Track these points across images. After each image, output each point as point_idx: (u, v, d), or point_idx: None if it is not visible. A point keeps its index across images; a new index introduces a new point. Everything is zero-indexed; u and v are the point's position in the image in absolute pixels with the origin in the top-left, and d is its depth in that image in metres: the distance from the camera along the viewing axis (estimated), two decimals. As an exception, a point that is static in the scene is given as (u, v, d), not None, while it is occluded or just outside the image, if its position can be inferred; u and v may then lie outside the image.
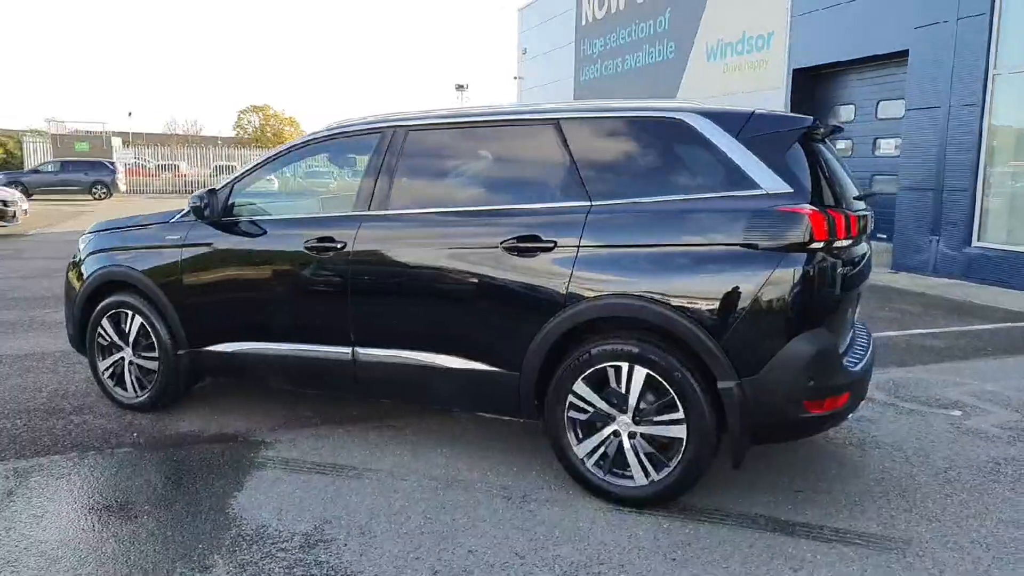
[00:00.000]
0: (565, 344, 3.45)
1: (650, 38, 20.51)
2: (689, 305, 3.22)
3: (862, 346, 3.78)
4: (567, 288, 3.40)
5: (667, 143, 3.45)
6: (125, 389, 4.61)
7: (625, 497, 3.40)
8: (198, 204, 4.17)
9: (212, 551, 2.99)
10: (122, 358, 4.60)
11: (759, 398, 3.19)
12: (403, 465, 3.85)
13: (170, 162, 39.53)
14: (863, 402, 3.99)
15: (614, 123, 3.58)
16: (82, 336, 4.74)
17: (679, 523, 3.26)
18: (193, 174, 39.67)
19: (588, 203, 3.47)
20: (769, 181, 3.23)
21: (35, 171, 30.37)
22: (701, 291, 3.21)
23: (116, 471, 3.76)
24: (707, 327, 3.19)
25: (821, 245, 3.16)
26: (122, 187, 31.31)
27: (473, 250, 3.60)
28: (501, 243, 3.52)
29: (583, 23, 24.07)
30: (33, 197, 28.21)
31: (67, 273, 4.94)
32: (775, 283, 3.13)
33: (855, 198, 3.69)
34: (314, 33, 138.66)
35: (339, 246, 3.88)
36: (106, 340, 4.63)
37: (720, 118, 3.37)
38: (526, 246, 3.48)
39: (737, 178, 3.27)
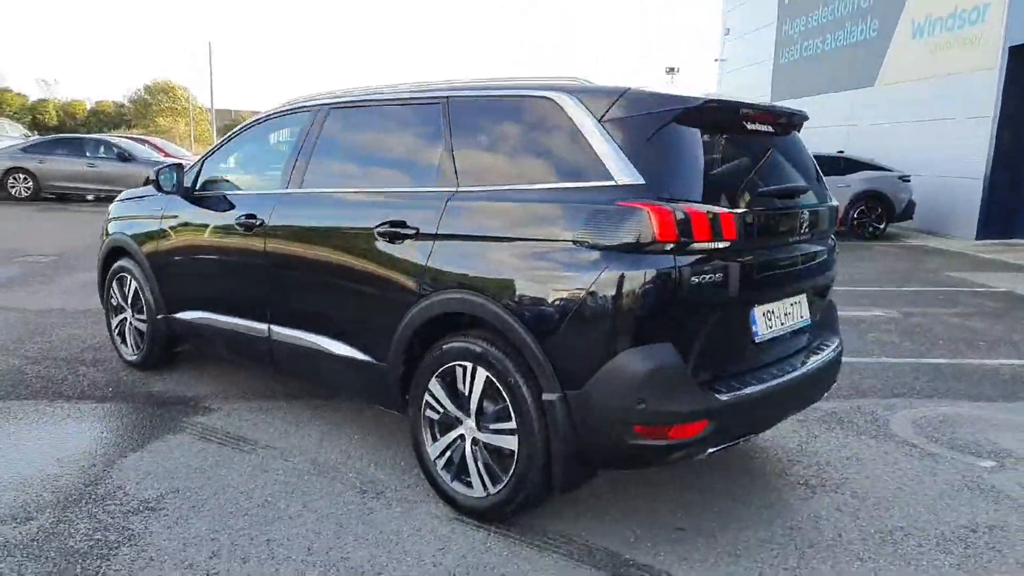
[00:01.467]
0: (427, 337, 3.24)
1: (852, 15, 18.57)
2: (521, 305, 2.89)
3: (786, 368, 3.16)
4: (423, 278, 3.20)
5: (534, 125, 3.10)
6: (127, 347, 5.05)
7: (466, 507, 3.14)
8: (154, 177, 4.43)
9: (54, 502, 3.20)
10: (125, 318, 5.04)
11: (584, 416, 2.79)
12: (300, 447, 3.85)
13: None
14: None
15: (489, 102, 3.28)
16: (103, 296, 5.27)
17: (505, 544, 2.96)
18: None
19: (454, 188, 3.23)
20: (624, 171, 2.79)
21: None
22: (534, 291, 2.87)
23: (63, 419, 4.15)
24: (534, 331, 2.85)
25: (669, 247, 2.68)
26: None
27: (355, 233, 3.50)
28: (376, 227, 3.38)
29: (786, 0, 22.32)
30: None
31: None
32: (606, 287, 2.71)
33: (790, 193, 3.12)
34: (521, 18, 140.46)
35: (259, 223, 3.95)
36: (115, 301, 5.10)
37: (587, 97, 2.97)
38: (395, 231, 3.32)
39: (593, 166, 2.86)
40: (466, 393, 3.10)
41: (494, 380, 2.97)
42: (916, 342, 6.33)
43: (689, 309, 2.74)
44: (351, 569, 2.76)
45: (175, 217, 4.55)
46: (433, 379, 3.19)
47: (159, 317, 4.72)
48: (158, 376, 4.90)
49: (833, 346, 3.54)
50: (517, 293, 2.90)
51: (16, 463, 3.58)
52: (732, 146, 3.04)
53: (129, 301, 4.96)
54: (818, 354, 3.39)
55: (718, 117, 2.98)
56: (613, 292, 2.69)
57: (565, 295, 2.78)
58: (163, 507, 3.19)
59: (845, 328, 6.77)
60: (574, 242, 2.79)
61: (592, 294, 2.72)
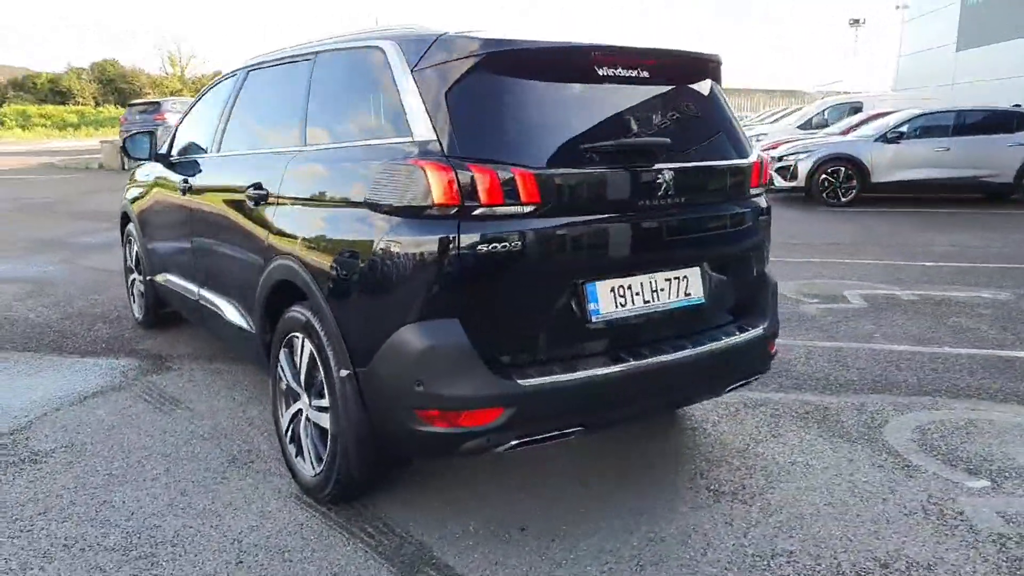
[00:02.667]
0: (277, 305, 3.11)
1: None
2: (324, 274, 2.68)
3: (644, 354, 2.68)
4: (268, 243, 3.07)
5: (364, 77, 2.84)
6: (136, 306, 5.35)
7: (302, 485, 3.00)
8: (121, 144, 4.59)
9: (-40, 448, 3.44)
10: (133, 279, 5.34)
11: (371, 396, 2.54)
12: (216, 410, 3.88)
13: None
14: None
15: (340, 56, 3.05)
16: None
17: (320, 526, 2.78)
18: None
19: (299, 148, 3.05)
20: (421, 126, 2.48)
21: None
22: (333, 259, 2.66)
23: (41, 370, 4.46)
24: (331, 302, 2.63)
25: (452, 211, 2.34)
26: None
27: (234, 197, 3.43)
28: (245, 190, 3.28)
29: (977, -68, 19.54)
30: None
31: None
32: (387, 255, 2.43)
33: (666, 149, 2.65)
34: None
35: (187, 186, 3.98)
36: (128, 262, 5.41)
37: (407, 44, 2.66)
38: (257, 194, 3.20)
39: (399, 121, 2.57)
40: (298, 366, 2.94)
41: (315, 354, 2.79)
42: (1008, 331, 5.31)
43: (481, 282, 2.39)
44: (151, 537, 2.72)
45: (152, 184, 4.72)
46: (281, 349, 3.06)
47: (147, 279, 4.94)
48: (153, 334, 5.15)
49: (749, 331, 2.99)
50: (322, 260, 2.70)
51: (-36, 409, 3.89)
52: (573, 96, 2.61)
53: (133, 263, 5.24)
54: (715, 340, 2.87)
55: (550, 63, 2.56)
56: (393, 261, 2.41)
57: (354, 263, 2.54)
58: (44, 461, 3.32)
59: (922, 310, 5.84)
60: (367, 205, 2.53)
61: (374, 262, 2.46)
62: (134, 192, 5.10)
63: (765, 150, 14.54)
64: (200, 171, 3.92)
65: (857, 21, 38.43)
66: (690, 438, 3.59)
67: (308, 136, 3.04)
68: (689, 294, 2.83)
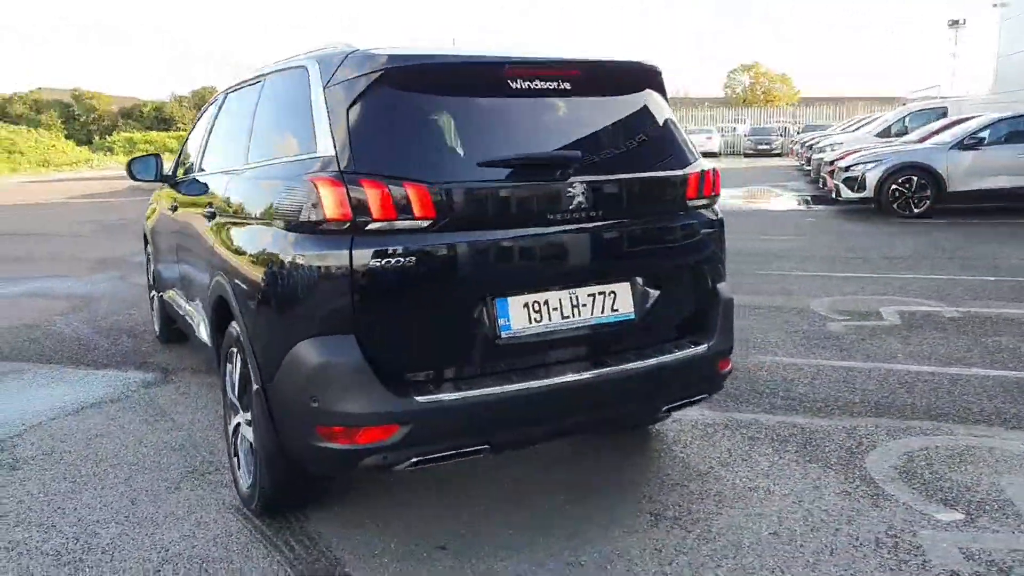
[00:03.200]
0: (223, 320, 3.20)
1: None
2: (240, 289, 2.75)
3: (561, 372, 2.62)
4: (211, 260, 3.18)
5: (293, 96, 2.90)
6: (155, 322, 5.61)
7: (240, 496, 3.07)
8: (127, 168, 4.83)
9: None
10: (152, 295, 5.60)
11: (277, 411, 2.58)
12: (195, 423, 4.02)
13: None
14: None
15: (278, 76, 3.14)
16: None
17: (245, 538, 2.83)
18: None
19: (242, 167, 3.15)
20: (324, 142, 2.52)
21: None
22: (247, 274, 2.74)
23: (52, 382, 4.73)
24: (243, 317, 2.70)
25: (344, 226, 2.37)
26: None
27: (200, 214, 3.56)
28: (204, 208, 3.41)
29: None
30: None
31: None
32: (285, 270, 2.49)
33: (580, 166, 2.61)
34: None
35: (175, 205, 4.17)
36: (148, 280, 5.69)
37: (324, 62, 2.71)
38: (208, 212, 3.33)
39: (309, 137, 2.62)
40: (234, 380, 3.02)
41: (243, 368, 2.86)
42: (1053, 351, 4.92)
43: (376, 298, 2.40)
44: (87, 544, 2.83)
45: (156, 203, 4.96)
46: (226, 364, 3.15)
47: (158, 296, 5.17)
48: (167, 349, 5.39)
49: (689, 349, 2.88)
50: (240, 276, 2.78)
51: (-28, 417, 4.16)
52: (481, 110, 2.60)
53: (152, 280, 5.51)
54: (646, 357, 2.78)
55: (458, 77, 2.57)
56: (292, 276, 2.46)
57: (261, 278, 2.59)
58: (21, 467, 3.52)
59: (962, 328, 5.46)
60: (275, 221, 2.60)
61: (276, 278, 2.51)
62: (148, 211, 5.37)
63: (836, 160, 14.00)
64: (183, 190, 4.10)
65: (956, 22, 36.61)
66: (653, 459, 3.48)
67: (250, 155, 3.14)
68: (617, 310, 2.76)
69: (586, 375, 2.64)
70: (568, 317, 2.66)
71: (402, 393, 2.40)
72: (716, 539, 2.78)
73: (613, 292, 2.75)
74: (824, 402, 4.12)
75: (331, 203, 2.35)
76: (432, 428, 2.44)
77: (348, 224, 2.35)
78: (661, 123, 2.93)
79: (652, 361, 2.78)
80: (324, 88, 2.61)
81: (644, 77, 2.92)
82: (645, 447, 3.61)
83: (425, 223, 2.39)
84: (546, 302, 2.62)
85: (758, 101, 68.65)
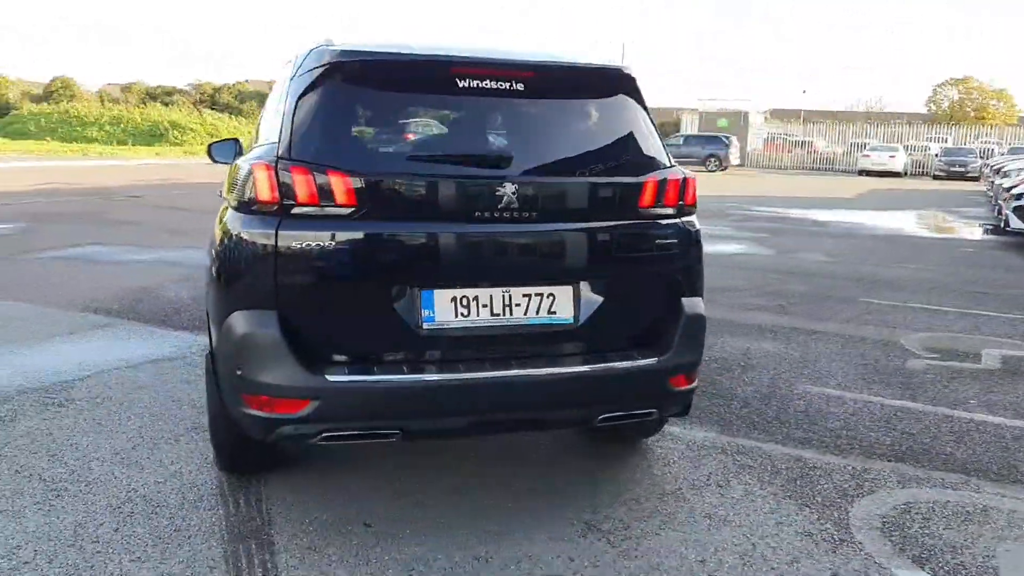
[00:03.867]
0: None
1: None
2: (207, 259, 3.02)
3: (479, 367, 2.66)
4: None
5: (282, 85, 3.12)
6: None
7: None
8: (208, 149, 5.30)
9: (19, 388, 4.26)
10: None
11: (218, 376, 2.80)
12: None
13: (805, 138, 40.07)
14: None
15: (285, 67, 3.36)
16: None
17: (210, 490, 3.10)
18: (828, 152, 39.52)
19: (244, 152, 3.44)
20: (279, 130, 2.72)
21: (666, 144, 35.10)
22: (209, 245, 3.00)
23: (129, 338, 5.31)
24: (206, 284, 2.97)
25: (273, 208, 2.56)
26: (734, 160, 33.49)
27: None
28: None
29: None
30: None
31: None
32: (225, 245, 2.70)
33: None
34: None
35: None
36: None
37: (300, 56, 2.91)
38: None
39: (279, 126, 2.82)
40: None
41: None
42: None
43: (297, 278, 2.57)
44: (76, 475, 3.18)
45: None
46: None
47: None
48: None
49: (633, 361, 2.82)
50: (209, 247, 3.03)
51: (51, 359, 4.77)
52: (422, 106, 2.71)
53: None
54: (579, 364, 2.76)
55: (404, 74, 2.68)
56: (229, 250, 2.68)
57: (212, 250, 2.84)
58: (67, 406, 4.00)
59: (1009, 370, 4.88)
60: (230, 200, 2.83)
61: (220, 250, 2.75)
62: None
63: (1012, 187, 12.72)
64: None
65: None
66: (623, 470, 3.42)
67: (256, 140, 3.41)
68: (555, 312, 2.76)
69: (509, 373, 2.67)
70: (498, 315, 2.70)
71: (315, 370, 2.55)
72: (637, 558, 2.71)
73: (552, 295, 2.75)
74: (848, 440, 3.84)
75: (263, 186, 2.54)
76: (341, 407, 2.57)
77: (276, 206, 2.54)
78: (626, 128, 2.89)
79: (585, 368, 2.75)
80: (291, 79, 2.81)
81: (613, 81, 2.89)
82: (625, 459, 3.55)
83: (347, 211, 2.52)
84: (475, 298, 2.68)
85: (967, 119, 62.98)
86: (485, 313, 2.69)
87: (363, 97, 2.67)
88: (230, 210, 2.76)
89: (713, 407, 4.23)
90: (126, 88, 55.33)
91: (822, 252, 10.59)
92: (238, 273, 2.65)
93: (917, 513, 3.10)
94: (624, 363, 2.80)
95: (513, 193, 2.63)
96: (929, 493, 3.29)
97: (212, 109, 47.26)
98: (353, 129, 2.65)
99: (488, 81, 2.69)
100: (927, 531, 2.96)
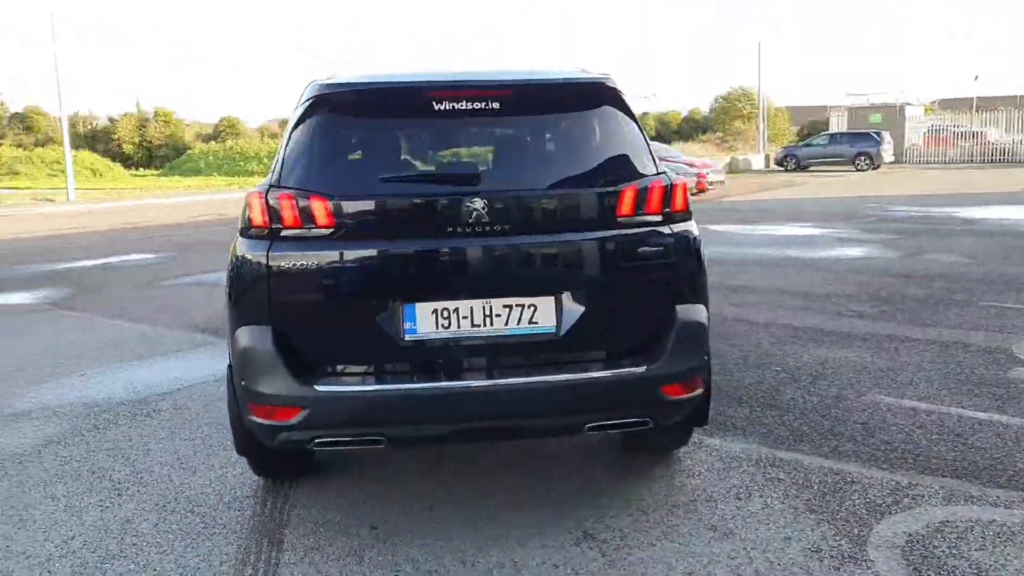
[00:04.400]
0: None
1: None
2: None
3: (459, 377, 2.79)
4: None
5: None
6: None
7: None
8: None
9: (120, 398, 4.80)
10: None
11: (235, 389, 3.07)
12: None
13: (975, 128, 36.89)
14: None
15: None
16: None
17: (244, 492, 3.39)
18: (1002, 142, 36.22)
19: None
20: (276, 163, 2.98)
21: (807, 144, 33.51)
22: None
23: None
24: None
25: (265, 232, 2.81)
26: (887, 157, 31.44)
27: None
28: None
29: None
30: (808, 169, 31.39)
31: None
32: (232, 266, 2.97)
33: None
34: None
35: None
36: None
37: (304, 91, 3.16)
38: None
39: (278, 160, 3.08)
40: None
41: None
42: None
43: (287, 295, 2.79)
44: (136, 476, 3.59)
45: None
46: None
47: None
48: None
49: (619, 369, 2.84)
50: None
51: (153, 374, 5.32)
52: (400, 129, 2.89)
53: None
54: (562, 372, 2.82)
55: (382, 101, 2.88)
56: (235, 271, 2.95)
57: (226, 271, 3.12)
58: (152, 416, 4.47)
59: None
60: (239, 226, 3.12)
61: (229, 271, 3.02)
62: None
63: None
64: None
65: None
66: (641, 481, 3.40)
67: None
68: (536, 322, 2.83)
69: (489, 383, 2.77)
70: (479, 326, 2.80)
71: (305, 381, 2.76)
72: (624, 568, 2.72)
73: (533, 305, 2.82)
74: (903, 453, 3.62)
75: (256, 212, 2.80)
76: (329, 415, 2.77)
77: (267, 230, 2.79)
78: (607, 139, 2.92)
79: (567, 376, 2.80)
80: (293, 111, 3.07)
81: (594, 94, 2.94)
82: (647, 470, 3.53)
83: (327, 231, 2.73)
84: (456, 310, 2.80)
85: None
86: (466, 324, 2.80)
87: (347, 125, 2.88)
88: (238, 235, 3.05)
89: (764, 418, 4.10)
90: (283, 123, 59.27)
91: (959, 253, 9.81)
92: (241, 291, 2.91)
93: (951, 531, 2.89)
94: (609, 371, 2.83)
95: (483, 208, 2.74)
96: (974, 511, 3.05)
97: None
98: (337, 156, 2.87)
99: (465, 102, 2.82)
100: (956, 551, 2.75)
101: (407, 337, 2.79)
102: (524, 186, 2.85)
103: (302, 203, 2.74)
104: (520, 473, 3.53)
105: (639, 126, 3.02)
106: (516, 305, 2.82)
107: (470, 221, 2.75)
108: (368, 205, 2.79)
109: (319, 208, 2.73)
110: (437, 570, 2.74)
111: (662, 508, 3.15)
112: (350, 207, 2.76)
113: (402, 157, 2.89)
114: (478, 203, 2.74)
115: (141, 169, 46.37)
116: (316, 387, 2.75)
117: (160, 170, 44.39)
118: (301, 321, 2.82)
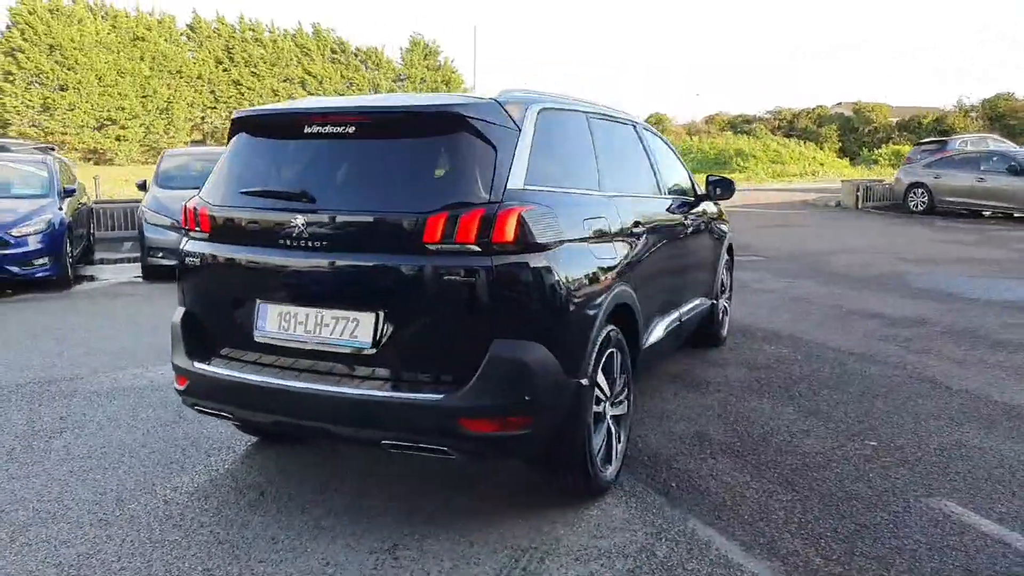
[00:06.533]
0: None
1: None
2: None
3: (285, 376, 3.18)
4: None
5: None
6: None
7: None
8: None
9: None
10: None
11: None
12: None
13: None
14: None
15: None
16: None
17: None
18: None
19: None
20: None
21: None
22: None
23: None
24: None
25: (184, 232, 3.64)
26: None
27: None
28: None
29: None
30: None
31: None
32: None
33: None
34: None
35: None
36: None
37: None
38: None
39: None
40: None
41: None
42: None
43: (188, 283, 3.56)
44: (167, 461, 4.17)
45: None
46: None
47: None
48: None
49: (413, 394, 3.01)
50: None
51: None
52: (273, 150, 3.52)
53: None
54: (360, 388, 3.06)
55: (271, 124, 3.53)
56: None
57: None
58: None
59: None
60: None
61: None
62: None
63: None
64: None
65: None
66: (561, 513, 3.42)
67: None
68: (356, 336, 3.03)
69: (304, 385, 3.10)
70: (310, 332, 3.10)
71: (192, 357, 3.45)
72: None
73: (356, 319, 3.04)
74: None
75: (183, 217, 3.58)
76: (199, 388, 3.43)
77: (185, 231, 3.59)
78: (452, 166, 2.98)
79: (366, 392, 2.97)
80: None
81: (450, 121, 3.08)
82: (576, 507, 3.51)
83: (205, 235, 3.48)
84: (295, 315, 3.17)
85: None
86: (300, 329, 3.15)
87: (241, 145, 3.55)
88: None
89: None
90: (709, 119, 59.72)
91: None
92: (178, 277, 3.64)
93: None
94: (405, 394, 2.92)
95: (304, 225, 3.06)
96: None
97: (789, 136, 47.81)
98: (229, 172, 3.51)
99: (329, 127, 3.18)
100: None
101: (256, 334, 3.22)
102: (355, 207, 3.11)
103: (196, 211, 3.50)
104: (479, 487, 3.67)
105: (496, 153, 2.91)
106: (343, 318, 3.05)
107: (295, 235, 3.10)
108: (229, 214, 3.39)
109: (199, 215, 3.48)
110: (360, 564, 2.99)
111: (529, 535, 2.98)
112: (219, 215, 3.42)
113: (270, 175, 3.36)
114: (299, 219, 3.09)
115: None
116: (194, 364, 3.37)
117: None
118: (194, 307, 3.56)
